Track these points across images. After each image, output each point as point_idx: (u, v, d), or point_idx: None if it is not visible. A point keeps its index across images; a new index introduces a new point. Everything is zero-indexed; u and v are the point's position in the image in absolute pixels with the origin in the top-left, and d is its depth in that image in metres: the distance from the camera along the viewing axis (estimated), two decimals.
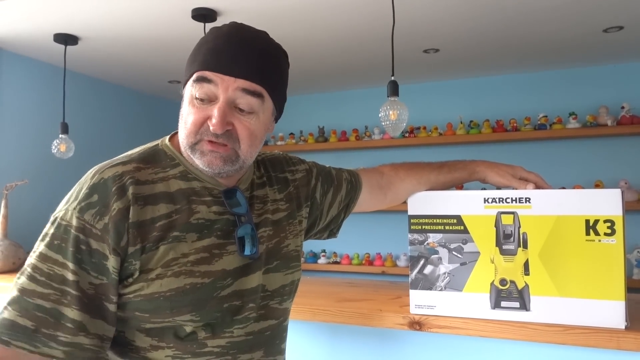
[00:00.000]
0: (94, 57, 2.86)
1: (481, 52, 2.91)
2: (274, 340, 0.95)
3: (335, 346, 1.45)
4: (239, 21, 0.91)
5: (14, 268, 2.32)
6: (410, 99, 3.31)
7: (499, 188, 1.24)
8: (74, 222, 0.78)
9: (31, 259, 0.79)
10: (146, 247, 0.80)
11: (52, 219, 0.82)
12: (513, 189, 1.20)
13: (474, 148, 3.44)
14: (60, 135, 2.61)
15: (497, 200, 1.18)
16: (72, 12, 2.22)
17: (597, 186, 3.07)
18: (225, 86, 0.82)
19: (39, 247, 0.79)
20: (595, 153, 3.23)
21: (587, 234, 1.11)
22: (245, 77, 0.83)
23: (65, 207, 0.81)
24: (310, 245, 3.81)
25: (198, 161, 0.86)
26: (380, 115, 1.93)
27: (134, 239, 0.80)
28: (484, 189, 1.26)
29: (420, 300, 1.23)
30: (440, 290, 1.21)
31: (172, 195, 0.85)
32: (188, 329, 0.84)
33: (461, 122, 3.41)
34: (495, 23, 2.44)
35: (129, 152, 0.90)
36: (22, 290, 0.76)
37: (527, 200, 1.15)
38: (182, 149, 0.88)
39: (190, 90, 0.85)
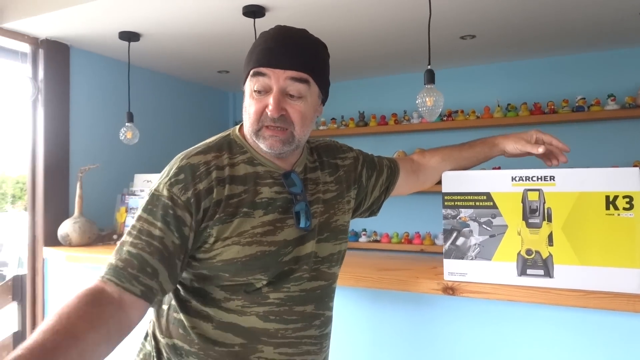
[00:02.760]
0: (154, 52, 3.03)
1: (518, 36, 2.89)
2: (323, 298, 1.11)
3: (376, 310, 1.55)
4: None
5: (89, 242, 2.56)
6: (448, 84, 3.35)
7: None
8: (165, 192, 0.96)
9: (133, 220, 0.99)
10: (223, 218, 0.98)
11: (149, 191, 1.01)
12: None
13: (511, 131, 3.33)
14: (126, 124, 2.78)
15: (524, 178, 1.26)
16: (134, 11, 2.40)
17: (635, 166, 3.04)
18: (277, 77, 0.99)
19: (138, 211, 0.99)
20: (634, 134, 3.18)
21: (607, 208, 1.17)
22: (292, 68, 0.99)
23: (159, 182, 0.99)
24: (352, 225, 3.84)
25: (262, 145, 1.02)
26: (417, 101, 2.01)
27: (213, 213, 0.97)
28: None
29: (453, 268, 1.32)
30: (471, 259, 1.30)
31: (242, 177, 1.02)
32: (257, 284, 1.02)
33: (498, 105, 3.39)
34: (530, 7, 2.44)
35: (207, 141, 1.07)
36: (121, 242, 0.96)
37: (552, 178, 1.23)
38: (248, 136, 1.05)
39: (250, 84, 1.02)
